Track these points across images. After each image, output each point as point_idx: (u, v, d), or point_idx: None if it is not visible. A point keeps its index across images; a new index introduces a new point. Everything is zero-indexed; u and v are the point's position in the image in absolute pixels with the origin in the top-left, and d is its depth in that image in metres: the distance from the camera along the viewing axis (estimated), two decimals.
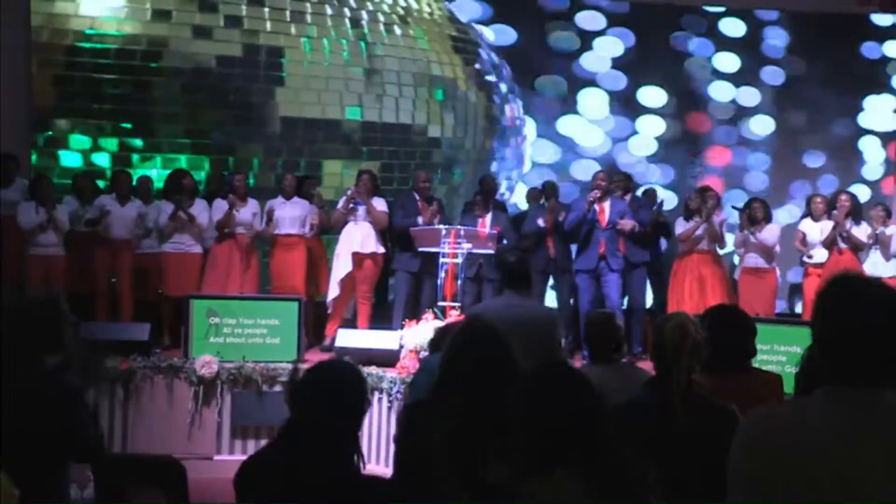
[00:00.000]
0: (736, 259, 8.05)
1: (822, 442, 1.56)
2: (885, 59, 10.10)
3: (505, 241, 7.20)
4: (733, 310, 3.40)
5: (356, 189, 7.06)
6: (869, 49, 10.06)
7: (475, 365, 2.49)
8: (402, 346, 6.09)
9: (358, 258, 7.09)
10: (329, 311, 7.18)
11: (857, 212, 7.42)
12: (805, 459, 1.56)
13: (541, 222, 7.52)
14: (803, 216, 8.02)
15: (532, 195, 8.60)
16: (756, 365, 3.34)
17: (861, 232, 7.28)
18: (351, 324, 7.08)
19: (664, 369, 2.65)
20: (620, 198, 7.56)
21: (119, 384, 5.92)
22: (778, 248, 7.44)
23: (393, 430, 5.83)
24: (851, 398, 1.58)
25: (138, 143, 8.08)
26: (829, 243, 7.34)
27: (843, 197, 7.49)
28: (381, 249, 7.21)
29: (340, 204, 7.18)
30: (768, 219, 7.50)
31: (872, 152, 10.14)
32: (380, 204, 7.18)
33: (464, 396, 2.44)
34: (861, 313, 1.59)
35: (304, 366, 2.45)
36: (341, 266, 7.09)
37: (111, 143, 8.04)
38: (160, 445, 5.66)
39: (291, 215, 7.31)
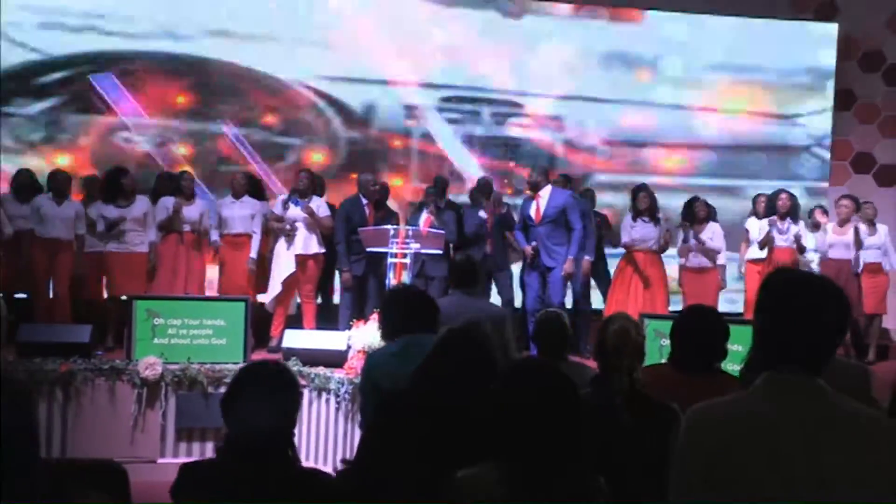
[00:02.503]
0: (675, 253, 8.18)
1: (760, 429, 1.63)
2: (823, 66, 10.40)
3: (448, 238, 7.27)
4: (707, 311, 3.38)
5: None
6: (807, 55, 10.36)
7: (458, 368, 2.48)
8: (349, 347, 6.07)
9: (301, 259, 7.07)
10: (271, 312, 7.13)
11: (794, 211, 7.66)
12: (746, 447, 1.62)
13: (482, 214, 7.57)
14: (749, 214, 8.25)
15: (473, 194, 8.68)
16: None
17: (794, 231, 7.54)
18: (295, 324, 7.04)
19: (606, 370, 2.71)
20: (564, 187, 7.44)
21: (58, 387, 5.76)
22: (723, 248, 7.63)
23: (340, 431, 5.84)
24: (787, 385, 1.66)
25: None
26: (763, 243, 7.59)
27: (783, 196, 7.72)
28: (323, 249, 7.21)
29: (278, 208, 7.12)
30: (711, 218, 7.66)
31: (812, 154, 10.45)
32: (318, 206, 7.14)
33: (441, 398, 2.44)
34: (796, 302, 1.69)
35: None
36: (283, 267, 7.05)
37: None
38: (101, 449, 5.53)
39: (241, 214, 7.27)
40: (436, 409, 2.40)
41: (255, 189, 7.61)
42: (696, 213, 7.59)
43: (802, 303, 1.68)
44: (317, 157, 9.15)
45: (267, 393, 2.19)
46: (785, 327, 1.68)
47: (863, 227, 7.61)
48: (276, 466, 2.14)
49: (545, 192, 6.97)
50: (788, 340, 1.67)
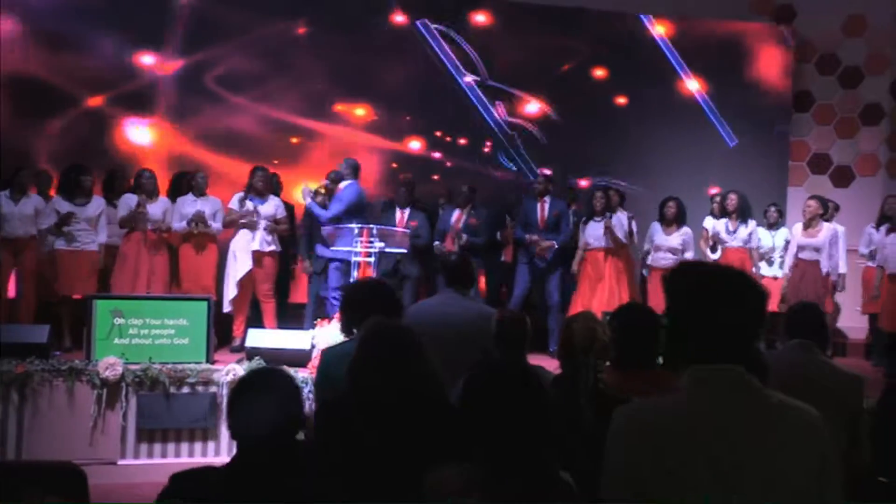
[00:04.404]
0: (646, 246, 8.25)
1: (691, 423, 1.64)
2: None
3: (419, 238, 7.32)
4: (642, 308, 3.41)
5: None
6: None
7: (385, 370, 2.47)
8: (313, 346, 6.03)
9: (257, 255, 7.06)
10: (227, 311, 7.07)
11: (744, 210, 7.77)
12: (678, 442, 1.64)
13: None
14: (708, 214, 8.37)
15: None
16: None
17: (746, 231, 7.66)
18: (253, 323, 6.99)
19: (571, 368, 2.72)
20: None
21: (14, 388, 5.65)
22: (690, 249, 7.74)
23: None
24: (715, 377, 1.67)
25: None
26: (711, 244, 7.77)
27: (732, 196, 7.84)
28: (279, 248, 7.23)
29: (234, 205, 7.11)
30: (681, 219, 7.73)
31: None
32: (276, 206, 7.14)
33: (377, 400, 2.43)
34: (713, 294, 1.69)
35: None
36: (239, 265, 7.02)
37: None
38: (60, 451, 5.43)
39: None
40: (370, 411, 2.39)
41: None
42: (665, 214, 7.68)
43: (719, 294, 1.67)
44: None
45: (275, 399, 2.14)
46: (705, 321, 1.66)
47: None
48: (285, 474, 2.09)
49: (342, 185, 7.22)
50: (710, 334, 1.66)
